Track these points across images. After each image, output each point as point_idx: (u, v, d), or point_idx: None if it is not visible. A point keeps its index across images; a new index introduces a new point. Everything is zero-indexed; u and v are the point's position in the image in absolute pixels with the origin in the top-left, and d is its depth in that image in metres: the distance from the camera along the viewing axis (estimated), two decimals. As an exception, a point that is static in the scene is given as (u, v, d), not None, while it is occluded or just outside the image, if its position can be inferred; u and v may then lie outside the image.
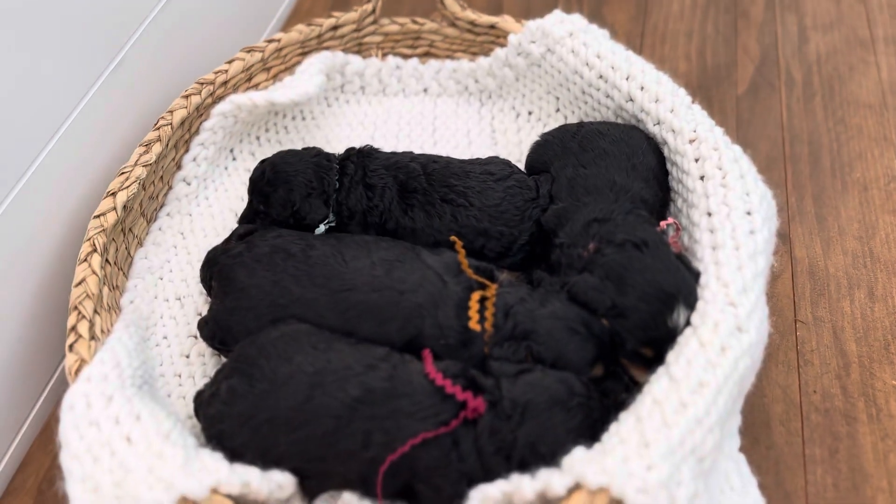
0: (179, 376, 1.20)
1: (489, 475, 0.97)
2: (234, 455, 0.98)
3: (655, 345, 1.06)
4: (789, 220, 1.43)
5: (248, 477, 0.94)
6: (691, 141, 1.26)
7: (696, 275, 1.11)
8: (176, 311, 1.28)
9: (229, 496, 0.92)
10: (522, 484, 0.92)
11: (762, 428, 1.15)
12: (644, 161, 1.29)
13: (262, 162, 1.30)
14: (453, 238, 1.21)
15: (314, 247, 1.19)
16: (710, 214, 1.18)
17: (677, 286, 1.07)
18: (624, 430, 0.94)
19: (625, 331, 1.08)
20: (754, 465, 1.07)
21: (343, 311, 1.13)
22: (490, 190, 1.27)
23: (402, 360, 1.07)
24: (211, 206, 1.43)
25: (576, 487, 0.91)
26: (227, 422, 1.01)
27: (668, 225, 1.19)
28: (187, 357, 1.23)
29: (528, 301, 1.12)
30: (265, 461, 0.98)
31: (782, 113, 1.65)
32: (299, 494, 1.03)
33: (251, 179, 1.29)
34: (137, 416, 0.98)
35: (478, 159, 1.34)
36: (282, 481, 0.98)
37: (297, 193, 1.26)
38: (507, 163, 1.33)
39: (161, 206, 1.41)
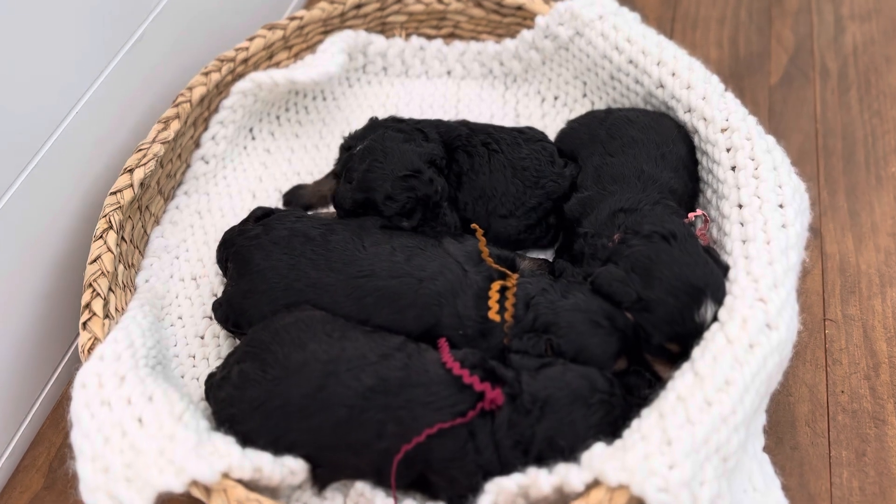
0: (193, 357, 1.18)
1: (506, 468, 0.95)
2: (245, 440, 0.96)
3: (681, 340, 1.03)
4: (821, 214, 1.39)
5: (260, 462, 0.92)
6: (723, 130, 1.22)
7: (724, 269, 1.08)
8: (191, 291, 1.26)
9: (240, 481, 0.91)
10: (539, 478, 0.89)
11: (787, 428, 1.12)
12: (674, 150, 1.25)
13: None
14: (474, 226, 1.18)
15: (334, 231, 1.17)
16: (740, 206, 1.14)
17: (705, 280, 1.03)
18: (646, 426, 0.91)
19: (650, 325, 1.05)
20: (778, 465, 1.04)
21: (360, 297, 1.11)
22: (518, 146, 1.29)
23: (419, 349, 1.04)
24: (229, 185, 1.41)
25: (594, 484, 0.88)
26: (237, 406, 1.00)
27: (696, 216, 1.16)
28: (202, 338, 1.21)
29: (550, 292, 1.09)
30: (277, 447, 0.96)
31: (816, 105, 1.60)
32: (311, 482, 1.01)
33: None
34: (150, 398, 0.96)
35: (513, 127, 1.35)
36: (294, 467, 0.96)
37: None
38: (540, 132, 1.34)
39: (179, 185, 1.39)
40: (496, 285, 1.10)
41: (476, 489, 0.94)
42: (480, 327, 1.09)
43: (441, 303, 1.10)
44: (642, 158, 1.22)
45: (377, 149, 1.22)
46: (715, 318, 1.03)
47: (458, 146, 1.29)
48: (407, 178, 1.19)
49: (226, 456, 0.90)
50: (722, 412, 0.91)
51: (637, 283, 1.05)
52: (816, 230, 1.36)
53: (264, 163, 1.45)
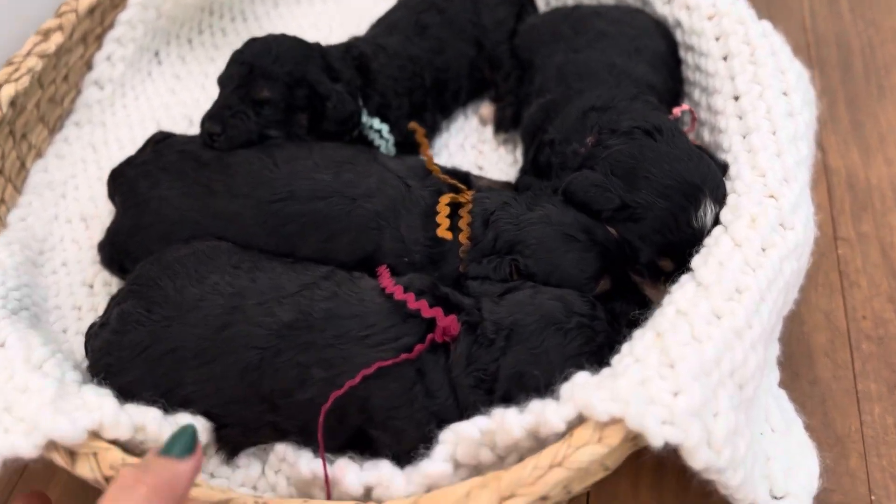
0: (79, 309, 0.96)
1: (465, 414, 0.74)
2: (126, 394, 0.74)
3: (676, 252, 0.83)
4: (820, 127, 1.21)
5: (144, 419, 0.70)
6: (710, 17, 1.03)
7: (722, 167, 0.89)
8: (80, 233, 1.04)
9: (116, 442, 0.69)
10: (507, 419, 0.68)
11: (803, 360, 0.93)
12: (650, 44, 1.06)
13: (255, 40, 1.01)
14: (413, 125, 0.97)
15: (234, 153, 0.95)
16: (737, 98, 0.95)
17: (702, 176, 0.84)
18: (640, 348, 0.71)
19: (637, 237, 0.85)
20: (797, 403, 0.84)
21: (276, 225, 0.89)
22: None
23: (351, 276, 0.83)
24: (129, 115, 1.19)
25: (578, 421, 0.68)
26: (115, 354, 0.78)
27: (682, 111, 0.96)
28: (90, 287, 0.98)
29: (513, 205, 0.88)
30: (168, 403, 0.75)
31: (804, 16, 1.43)
32: (217, 446, 0.79)
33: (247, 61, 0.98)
34: (2, 343, 0.74)
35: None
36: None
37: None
38: None
39: (68, 114, 1.17)
40: (446, 198, 0.89)
41: (428, 443, 0.73)
42: (430, 252, 0.88)
43: (380, 225, 0.89)
44: (613, 52, 1.03)
45: None
46: (716, 222, 0.83)
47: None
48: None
49: (96, 410, 0.68)
50: (735, 325, 0.71)
51: (619, 187, 0.85)
52: (818, 143, 1.18)
53: (173, 89, 1.23)
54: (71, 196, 1.08)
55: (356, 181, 0.91)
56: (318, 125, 0.99)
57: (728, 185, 0.86)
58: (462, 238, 0.88)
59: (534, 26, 1.15)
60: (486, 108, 1.20)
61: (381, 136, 1.03)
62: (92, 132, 1.15)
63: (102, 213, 1.05)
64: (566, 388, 0.69)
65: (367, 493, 0.72)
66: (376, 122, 1.03)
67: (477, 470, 0.72)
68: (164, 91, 1.22)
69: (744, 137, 0.90)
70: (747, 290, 0.74)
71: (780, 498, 0.74)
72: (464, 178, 0.97)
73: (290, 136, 0.98)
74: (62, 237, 1.03)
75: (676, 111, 0.95)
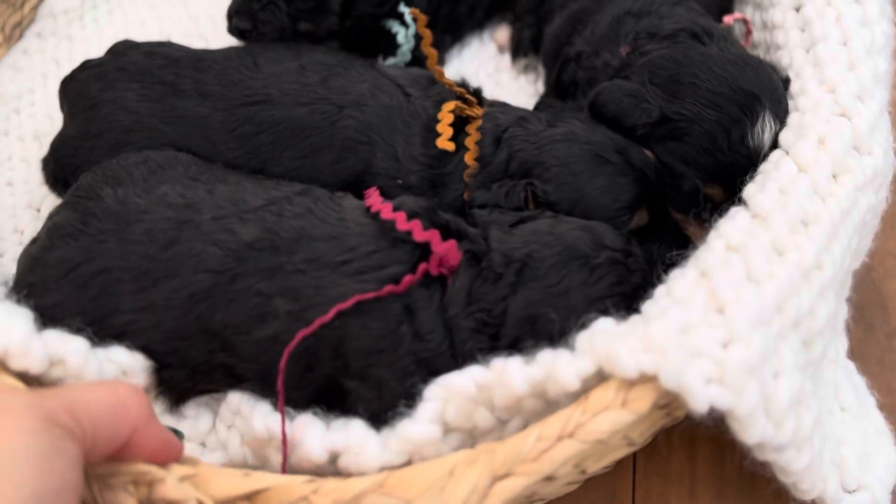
0: (21, 233, 0.84)
1: (463, 366, 0.60)
2: (49, 320, 0.60)
3: (727, 177, 0.69)
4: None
5: (63, 350, 0.57)
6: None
7: (784, 80, 0.74)
8: (32, 152, 0.91)
9: (26, 376, 0.55)
10: (509, 371, 0.54)
11: (876, 311, 0.78)
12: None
13: None
14: (422, 29, 0.82)
15: (212, 52, 0.81)
16: (798, 9, 0.79)
17: (761, 85, 0.69)
18: (681, 288, 0.57)
19: (680, 159, 0.71)
20: (875, 362, 0.69)
21: (248, 134, 0.76)
22: None
23: (331, 195, 0.70)
24: (101, 30, 1.05)
25: (598, 379, 0.54)
26: (39, 272, 0.64)
27: (735, 20, 0.81)
28: (37, 211, 0.86)
29: (532, 122, 0.74)
30: (99, 334, 0.61)
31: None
32: (158, 391, 0.66)
33: None
34: None
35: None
36: (126, 364, 0.61)
37: None
38: None
39: (29, 23, 1.03)
40: (450, 104, 0.74)
41: (413, 399, 0.59)
42: (430, 174, 0.75)
43: (371, 139, 0.75)
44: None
45: None
46: (775, 145, 0.69)
47: None
48: None
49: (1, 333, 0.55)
50: (802, 263, 0.57)
51: (659, 97, 0.71)
52: None
53: (152, 4, 1.09)
54: (26, 112, 0.96)
55: (346, 87, 0.77)
56: (351, 8, 0.86)
57: (790, 103, 0.71)
58: (468, 159, 0.74)
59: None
60: (503, 32, 1.05)
61: (405, 34, 0.89)
62: (56, 45, 1.02)
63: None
64: (583, 337, 0.55)
65: (333, 459, 0.58)
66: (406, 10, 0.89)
67: (472, 436, 0.59)
68: (141, 5, 1.08)
69: (807, 51, 0.75)
70: (816, 223, 0.60)
71: (853, 491, 0.60)
72: (478, 92, 0.82)
73: (319, 33, 0.86)
74: (11, 155, 0.91)
75: (728, 19, 0.81)
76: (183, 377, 0.65)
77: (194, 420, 0.67)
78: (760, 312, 0.53)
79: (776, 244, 0.58)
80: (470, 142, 0.74)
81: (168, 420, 0.67)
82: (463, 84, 0.80)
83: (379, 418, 0.62)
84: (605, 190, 0.70)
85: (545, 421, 0.54)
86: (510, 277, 0.61)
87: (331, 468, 0.59)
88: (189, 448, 0.64)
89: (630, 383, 0.52)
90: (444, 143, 0.71)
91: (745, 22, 0.83)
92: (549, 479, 0.54)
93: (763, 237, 0.58)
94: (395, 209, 0.64)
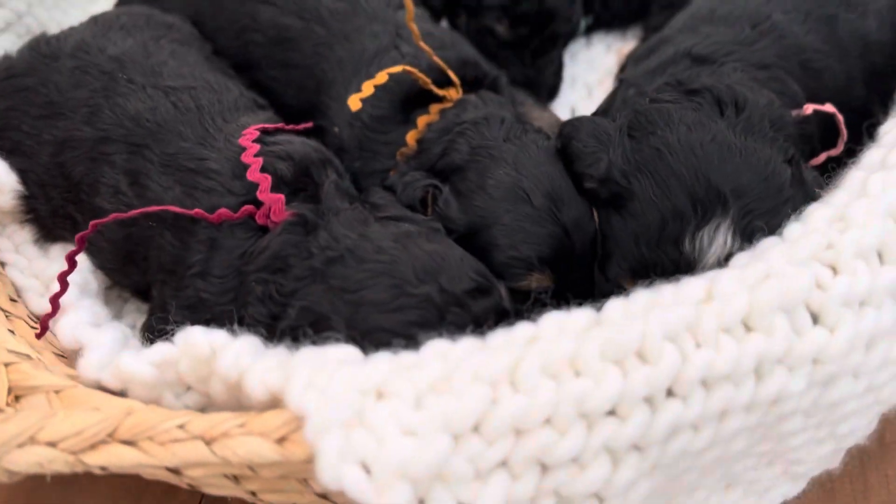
0: None
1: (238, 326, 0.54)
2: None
3: (643, 276, 0.54)
4: None
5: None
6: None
7: (810, 196, 0.55)
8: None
9: None
10: (194, 338, 0.48)
11: None
12: (851, 20, 0.70)
13: None
14: None
15: None
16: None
17: (739, 184, 0.53)
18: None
19: (614, 235, 0.56)
20: None
21: (247, 28, 0.75)
22: None
23: (251, 113, 0.66)
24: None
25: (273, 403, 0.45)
26: None
27: (816, 112, 0.62)
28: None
29: (492, 127, 0.63)
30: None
31: None
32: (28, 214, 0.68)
33: None
34: None
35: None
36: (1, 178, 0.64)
37: None
38: None
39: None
40: (395, 69, 0.65)
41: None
42: (364, 135, 0.68)
43: (334, 78, 0.70)
44: (780, 5, 0.69)
45: None
46: (729, 256, 0.52)
47: None
48: None
49: None
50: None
51: (621, 152, 0.56)
52: None
53: None
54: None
55: (348, 17, 0.73)
56: None
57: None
58: (410, 137, 0.65)
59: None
60: (628, 47, 0.91)
61: None
62: None
63: None
64: (303, 355, 0.46)
65: (76, 351, 0.56)
66: None
67: (212, 403, 0.53)
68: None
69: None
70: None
71: None
72: (491, 82, 0.72)
73: None
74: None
75: (808, 108, 0.61)
76: (46, 214, 0.66)
77: (54, 261, 0.68)
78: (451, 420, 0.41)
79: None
80: (422, 120, 0.65)
81: (30, 250, 0.68)
82: (467, 62, 0.71)
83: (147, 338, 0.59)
84: (508, 232, 0.58)
85: (211, 416, 0.47)
86: (318, 263, 0.53)
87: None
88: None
89: (297, 418, 0.44)
90: (354, 101, 0.62)
91: (836, 117, 0.62)
92: (174, 471, 0.48)
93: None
94: (266, 147, 0.59)
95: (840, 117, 0.61)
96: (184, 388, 0.53)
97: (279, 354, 0.47)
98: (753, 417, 0.48)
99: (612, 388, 0.43)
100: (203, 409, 0.53)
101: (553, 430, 0.43)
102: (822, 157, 0.62)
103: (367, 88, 0.62)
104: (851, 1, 0.71)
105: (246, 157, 0.58)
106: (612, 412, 0.44)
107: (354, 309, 0.52)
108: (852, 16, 0.70)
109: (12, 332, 0.60)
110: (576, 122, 0.61)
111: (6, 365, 0.54)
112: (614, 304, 0.47)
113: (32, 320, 0.64)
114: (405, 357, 0.45)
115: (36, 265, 0.68)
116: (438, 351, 0.46)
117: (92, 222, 0.56)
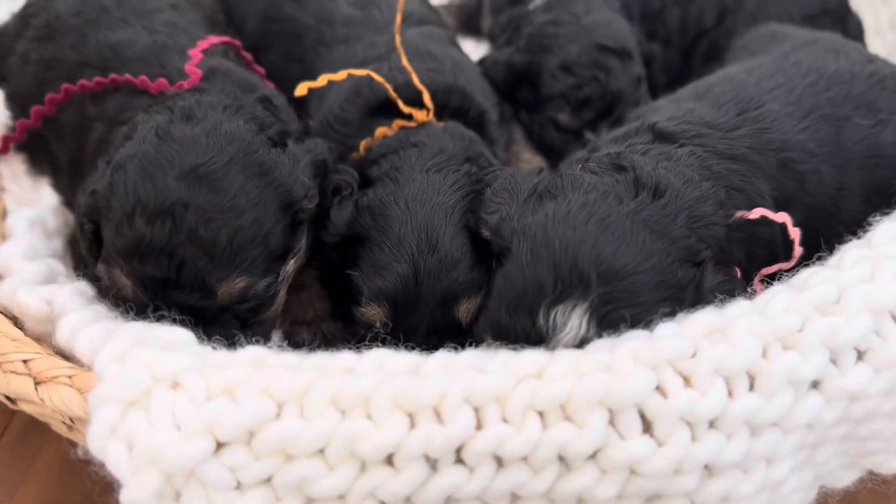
0: None
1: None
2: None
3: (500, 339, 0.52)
4: None
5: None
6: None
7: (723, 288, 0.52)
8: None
9: None
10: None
11: None
12: (865, 129, 0.63)
13: None
14: None
15: None
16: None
17: (597, 259, 0.50)
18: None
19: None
20: None
21: (271, 18, 0.80)
22: None
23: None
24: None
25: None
26: None
27: (759, 215, 0.56)
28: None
29: (420, 153, 0.65)
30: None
31: None
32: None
33: None
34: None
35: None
36: None
37: None
38: None
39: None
40: (378, 78, 0.67)
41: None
42: (331, 133, 0.70)
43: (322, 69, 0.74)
44: (776, 92, 0.64)
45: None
46: (585, 342, 0.49)
47: None
48: (606, 51, 0.82)
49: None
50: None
51: (520, 210, 0.55)
52: None
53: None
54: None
55: (356, 21, 0.76)
56: None
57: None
58: (362, 144, 0.68)
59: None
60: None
61: None
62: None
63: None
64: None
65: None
66: None
67: None
68: None
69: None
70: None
71: None
72: (477, 115, 0.72)
73: None
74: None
75: (756, 213, 0.56)
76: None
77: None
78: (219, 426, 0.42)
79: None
80: (380, 131, 0.68)
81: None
82: (454, 89, 0.71)
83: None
84: (368, 257, 0.59)
85: (55, 360, 0.51)
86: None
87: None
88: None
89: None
90: (301, 87, 0.66)
91: (786, 228, 0.56)
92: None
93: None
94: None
95: (793, 230, 0.56)
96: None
97: (115, 323, 0.50)
98: (556, 511, 0.45)
99: (391, 437, 0.42)
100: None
101: (322, 464, 0.43)
102: (774, 268, 0.57)
103: (322, 80, 0.66)
104: (875, 106, 0.64)
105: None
106: (389, 461, 0.43)
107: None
108: (866, 122, 0.63)
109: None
110: (499, 172, 0.60)
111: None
112: (438, 357, 0.46)
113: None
114: (217, 355, 0.46)
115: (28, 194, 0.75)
116: (253, 357, 0.47)
117: (34, 108, 0.66)
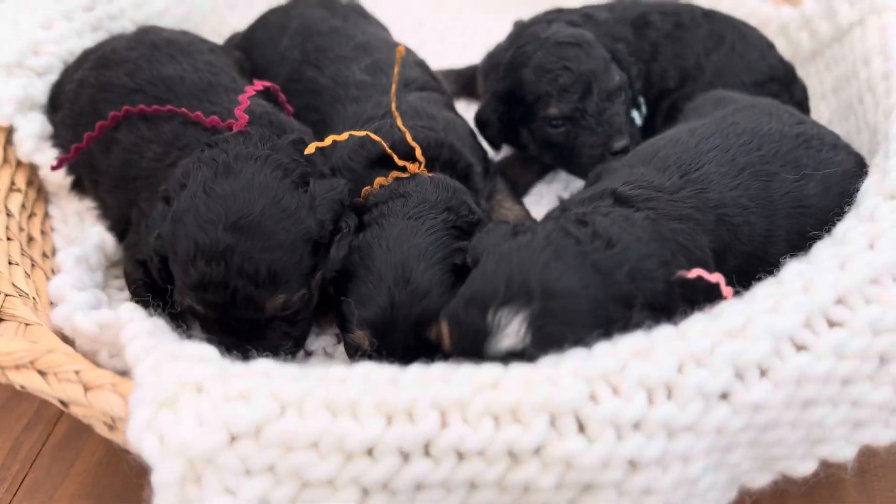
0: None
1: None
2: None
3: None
4: None
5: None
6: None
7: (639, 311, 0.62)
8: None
9: None
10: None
11: None
12: (790, 183, 0.74)
13: None
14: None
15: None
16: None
17: (548, 284, 0.61)
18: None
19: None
20: None
21: (295, 78, 0.96)
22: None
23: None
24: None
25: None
26: None
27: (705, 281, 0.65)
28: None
29: (406, 201, 0.77)
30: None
31: None
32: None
33: None
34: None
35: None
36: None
37: None
38: None
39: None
40: (381, 143, 0.81)
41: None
42: (348, 174, 0.84)
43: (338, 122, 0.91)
44: (713, 153, 0.75)
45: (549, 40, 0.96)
46: (523, 353, 0.59)
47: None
48: (565, 45, 0.95)
49: None
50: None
51: (486, 241, 0.68)
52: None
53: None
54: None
55: (367, 86, 0.91)
56: None
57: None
58: (363, 192, 0.80)
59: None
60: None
61: None
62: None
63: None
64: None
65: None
66: None
67: None
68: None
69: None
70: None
71: None
72: (463, 168, 0.84)
73: None
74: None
75: (694, 273, 0.65)
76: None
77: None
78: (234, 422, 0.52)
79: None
80: (378, 181, 0.80)
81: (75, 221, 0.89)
82: (444, 145, 0.83)
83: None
84: (358, 289, 0.72)
85: (104, 372, 0.61)
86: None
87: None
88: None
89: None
90: (311, 147, 0.79)
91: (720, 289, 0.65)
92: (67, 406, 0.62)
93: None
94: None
95: (726, 290, 0.64)
96: (117, 349, 0.67)
97: (164, 339, 0.61)
98: (507, 498, 0.55)
99: (372, 434, 0.53)
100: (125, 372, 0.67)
101: (315, 454, 0.53)
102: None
103: (328, 140, 0.78)
104: (801, 163, 0.74)
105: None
106: (370, 453, 0.53)
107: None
108: (792, 176, 0.73)
109: (28, 275, 0.78)
110: (491, 226, 0.72)
111: (6, 295, 0.71)
112: (413, 370, 0.57)
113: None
114: (235, 367, 0.57)
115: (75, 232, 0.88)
116: (263, 368, 0.57)
117: (99, 123, 0.81)
